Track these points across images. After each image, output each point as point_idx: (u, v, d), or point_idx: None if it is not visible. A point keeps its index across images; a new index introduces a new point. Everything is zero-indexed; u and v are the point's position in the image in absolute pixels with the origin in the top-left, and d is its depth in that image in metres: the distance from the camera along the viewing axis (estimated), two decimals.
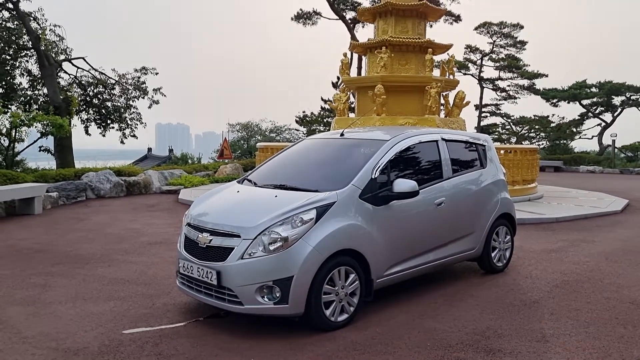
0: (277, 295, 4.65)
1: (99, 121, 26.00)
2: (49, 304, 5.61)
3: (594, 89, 37.21)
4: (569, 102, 38.61)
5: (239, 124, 39.15)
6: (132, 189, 15.11)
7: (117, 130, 26.20)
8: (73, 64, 24.96)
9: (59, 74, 24.44)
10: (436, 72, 16.82)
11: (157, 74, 26.50)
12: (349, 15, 33.57)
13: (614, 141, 31.80)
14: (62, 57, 24.56)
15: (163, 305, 5.60)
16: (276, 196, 5.23)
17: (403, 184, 5.36)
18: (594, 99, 37.62)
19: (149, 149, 49.19)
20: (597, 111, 38.55)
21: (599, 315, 5.34)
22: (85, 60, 24.79)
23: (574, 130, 40.22)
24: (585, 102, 38.08)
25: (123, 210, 12.34)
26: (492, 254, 6.86)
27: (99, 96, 26.04)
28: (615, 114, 37.62)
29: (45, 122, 16.84)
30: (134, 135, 26.42)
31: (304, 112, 39.21)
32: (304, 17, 34.96)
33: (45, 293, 6.00)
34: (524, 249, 8.27)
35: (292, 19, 35.29)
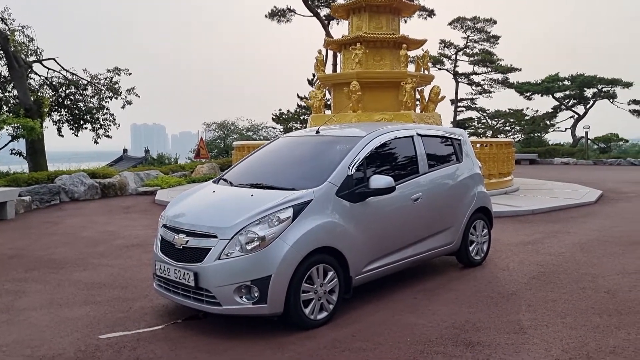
0: (256, 295, 4.61)
1: (71, 121, 25.57)
2: (23, 311, 5.49)
3: (566, 82, 37.80)
4: (542, 96, 39.18)
5: (215, 123, 38.99)
6: (107, 191, 14.89)
7: (90, 130, 25.80)
8: (44, 65, 24.48)
9: (29, 76, 23.96)
10: (411, 68, 16.91)
11: (130, 74, 26.14)
12: (323, 12, 33.53)
13: (586, 133, 32.36)
14: (32, 58, 24.06)
15: (140, 308, 5.53)
16: (252, 195, 5.20)
17: (379, 180, 5.36)
18: (567, 92, 38.23)
19: (125, 150, 48.65)
20: (569, 104, 39.17)
21: (575, 305, 5.41)
22: (56, 61, 24.34)
23: (548, 123, 40.83)
24: (558, 95, 38.68)
25: (98, 212, 12.16)
26: (470, 248, 6.91)
27: (71, 97, 25.60)
28: (587, 106, 38.27)
29: (15, 125, 16.50)
30: (107, 136, 26.04)
31: (280, 110, 39.15)
32: (278, 14, 34.85)
33: (19, 300, 5.87)
34: (501, 242, 8.35)
35: (266, 16, 35.15)
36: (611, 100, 37.20)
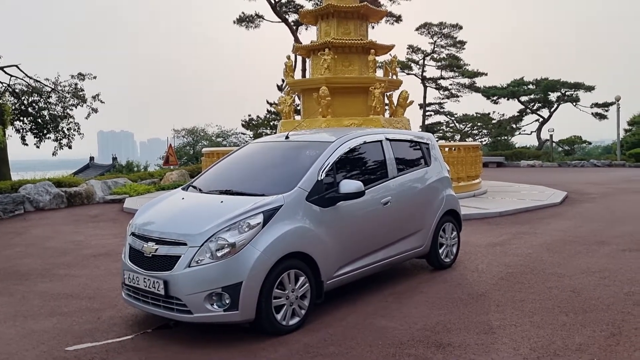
0: (227, 302, 4.58)
1: (35, 131, 24.99)
2: None
3: (531, 86, 38.66)
4: (508, 99, 39.99)
5: (184, 130, 38.63)
6: (73, 200, 14.61)
7: (53, 140, 25.22)
8: (5, 72, 23.90)
9: None
10: (379, 73, 17.05)
11: (94, 77, 25.69)
12: (292, 17, 33.63)
13: (551, 136, 33.09)
14: None
15: (109, 318, 5.43)
16: (222, 202, 5.17)
17: (349, 185, 5.39)
18: (532, 96, 39.09)
19: (91, 158, 47.76)
20: (534, 107, 40.05)
21: (542, 304, 5.51)
22: (18, 67, 23.80)
23: (514, 126, 41.69)
24: (523, 98, 39.52)
25: (64, 222, 11.92)
26: (440, 251, 6.98)
27: (34, 105, 25.04)
28: (551, 110, 39.19)
29: None
30: (69, 146, 25.43)
31: (249, 115, 39.04)
32: (247, 20, 34.81)
33: None
34: (470, 244, 8.46)
35: (234, 22, 35.06)
36: (574, 103, 38.17)
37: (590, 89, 37.17)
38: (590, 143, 39.45)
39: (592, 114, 38.27)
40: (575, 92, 37.73)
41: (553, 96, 38.58)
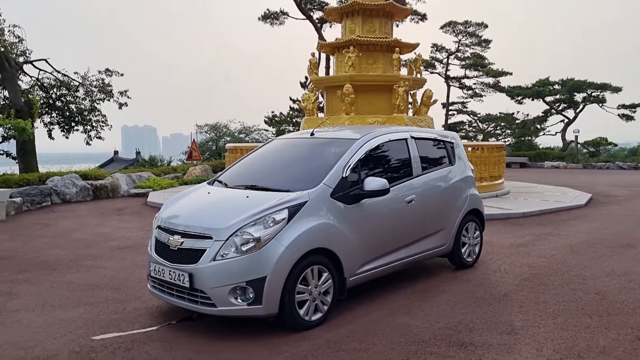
0: (251, 296, 4.63)
1: (62, 124, 25.40)
2: (16, 312, 5.48)
3: (556, 87, 38.07)
4: (533, 100, 39.45)
5: (207, 125, 38.86)
6: (99, 192, 14.85)
7: (82, 132, 25.62)
8: (35, 66, 24.31)
9: (19, 77, 23.78)
10: (404, 71, 16.98)
11: (122, 75, 26.00)
12: (316, 14, 33.62)
13: (576, 137, 32.60)
14: (22, 59, 23.88)
15: (134, 309, 5.53)
16: (247, 197, 5.22)
17: (373, 182, 5.40)
18: (557, 96, 38.50)
19: (116, 152, 48.36)
20: (560, 108, 39.46)
21: (566, 306, 5.47)
22: (47, 62, 24.18)
23: (538, 126, 41.13)
24: (548, 99, 38.96)
25: (90, 214, 12.12)
26: (462, 250, 6.96)
27: (62, 98, 25.44)
28: (577, 111, 38.57)
29: (7, 126, 16.39)
30: (99, 137, 25.85)
31: (272, 112, 39.15)
32: (271, 17, 34.89)
33: (12, 301, 5.86)
34: (492, 244, 8.41)
35: (259, 19, 35.18)
36: (600, 104, 37.51)
37: (617, 90, 36.51)
38: (616, 145, 38.75)
39: (618, 115, 37.61)
40: (601, 93, 37.10)
41: (579, 97, 37.97)
